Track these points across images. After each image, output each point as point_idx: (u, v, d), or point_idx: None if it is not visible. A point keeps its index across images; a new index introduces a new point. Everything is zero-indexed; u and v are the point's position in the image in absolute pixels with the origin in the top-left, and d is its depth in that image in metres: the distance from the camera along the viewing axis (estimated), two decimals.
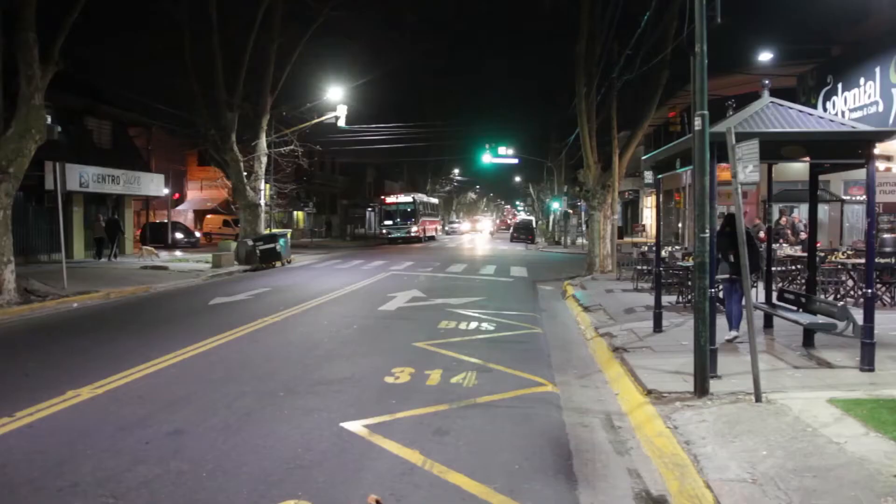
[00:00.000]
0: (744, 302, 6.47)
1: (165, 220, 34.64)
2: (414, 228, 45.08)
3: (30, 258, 20.50)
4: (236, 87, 23.17)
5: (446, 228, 70.80)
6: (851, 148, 6.97)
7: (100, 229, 23.86)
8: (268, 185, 27.52)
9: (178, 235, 34.08)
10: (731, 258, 8.29)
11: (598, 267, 19.94)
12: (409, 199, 47.46)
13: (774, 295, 8.98)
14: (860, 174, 7.88)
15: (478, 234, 68.91)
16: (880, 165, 14.38)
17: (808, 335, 8.05)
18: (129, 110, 28.00)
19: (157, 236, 32.58)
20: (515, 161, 49.12)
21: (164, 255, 26.38)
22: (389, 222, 45.65)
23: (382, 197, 49.78)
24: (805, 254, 10.77)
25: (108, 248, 23.52)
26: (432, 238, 50.56)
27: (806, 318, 7.52)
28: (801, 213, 18.58)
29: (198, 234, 35.62)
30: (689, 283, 11.66)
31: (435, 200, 60.36)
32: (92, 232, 24.16)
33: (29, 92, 12.56)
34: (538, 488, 4.37)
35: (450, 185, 79.86)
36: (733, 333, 8.56)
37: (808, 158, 7.42)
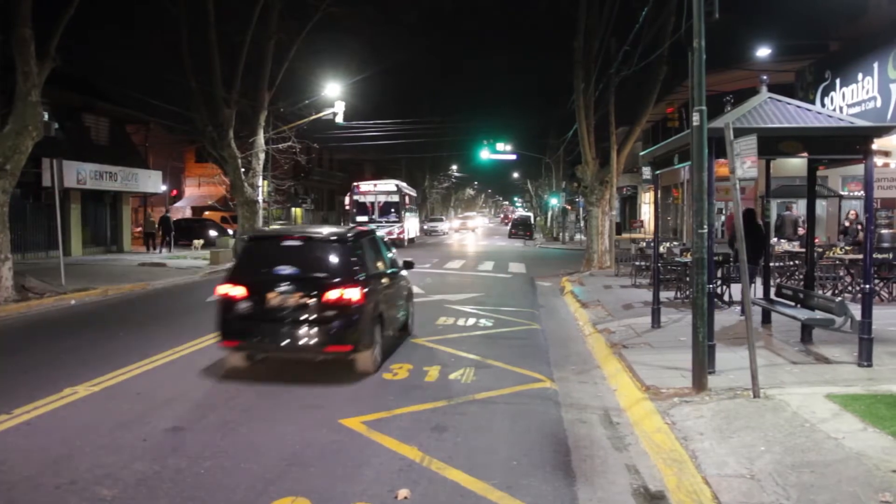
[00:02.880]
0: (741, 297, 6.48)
1: (201, 217, 34.77)
2: (398, 227, 33.34)
3: (27, 255, 20.45)
4: (234, 83, 23.08)
5: (425, 227, 54.34)
6: (849, 143, 6.97)
7: (151, 225, 27.50)
8: (266, 182, 27.46)
9: (212, 233, 32.21)
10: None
11: (596, 263, 19.94)
12: (390, 186, 35.05)
13: (773, 290, 9.00)
14: (858, 170, 7.89)
15: (469, 234, 57.15)
16: (878, 161, 14.33)
17: (806, 331, 8.06)
18: (126, 107, 27.91)
19: (187, 233, 31.03)
20: (514, 157, 48.84)
21: (202, 252, 26.21)
22: (364, 218, 32.83)
23: (355, 183, 36.08)
24: (803, 249, 10.79)
25: (166, 241, 27.15)
26: (412, 240, 37.94)
27: (804, 314, 7.52)
28: (799, 208, 18.60)
29: (231, 232, 32.59)
30: (688, 278, 11.68)
31: (414, 192, 45.93)
32: (144, 227, 28.06)
33: (25, 88, 12.50)
34: (536, 484, 4.37)
35: (448, 182, 79.49)
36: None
37: (806, 154, 7.43)
